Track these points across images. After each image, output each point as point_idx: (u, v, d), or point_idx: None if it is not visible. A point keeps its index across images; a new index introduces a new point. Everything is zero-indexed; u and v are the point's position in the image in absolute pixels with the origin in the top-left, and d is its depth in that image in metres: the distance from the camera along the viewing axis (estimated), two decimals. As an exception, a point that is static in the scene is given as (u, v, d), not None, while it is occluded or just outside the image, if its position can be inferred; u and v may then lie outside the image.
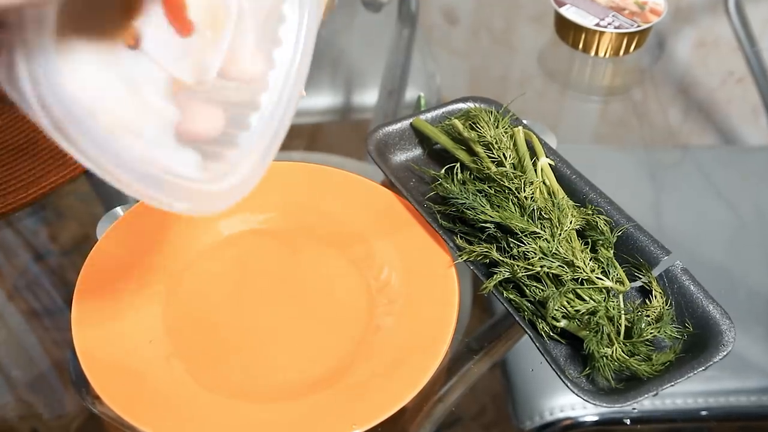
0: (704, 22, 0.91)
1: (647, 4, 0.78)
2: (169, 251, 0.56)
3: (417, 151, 0.63)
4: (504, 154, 0.56)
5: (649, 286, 0.51)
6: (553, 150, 0.59)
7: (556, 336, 0.49)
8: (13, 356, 0.55)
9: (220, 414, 0.47)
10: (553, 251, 0.50)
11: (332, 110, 0.79)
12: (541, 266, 0.49)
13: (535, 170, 0.55)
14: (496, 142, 0.56)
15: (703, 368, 0.46)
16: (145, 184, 0.31)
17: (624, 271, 0.51)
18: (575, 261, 0.49)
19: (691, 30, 0.90)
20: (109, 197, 0.65)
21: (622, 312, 0.48)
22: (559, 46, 0.81)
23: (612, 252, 0.51)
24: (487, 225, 0.53)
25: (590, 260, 0.50)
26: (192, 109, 0.34)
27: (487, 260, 0.52)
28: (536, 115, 0.69)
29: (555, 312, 0.48)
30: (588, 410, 0.50)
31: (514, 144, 0.57)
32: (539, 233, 0.51)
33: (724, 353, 0.47)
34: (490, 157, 0.56)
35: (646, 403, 0.50)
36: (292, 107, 0.39)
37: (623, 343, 0.47)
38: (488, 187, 0.55)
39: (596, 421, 0.50)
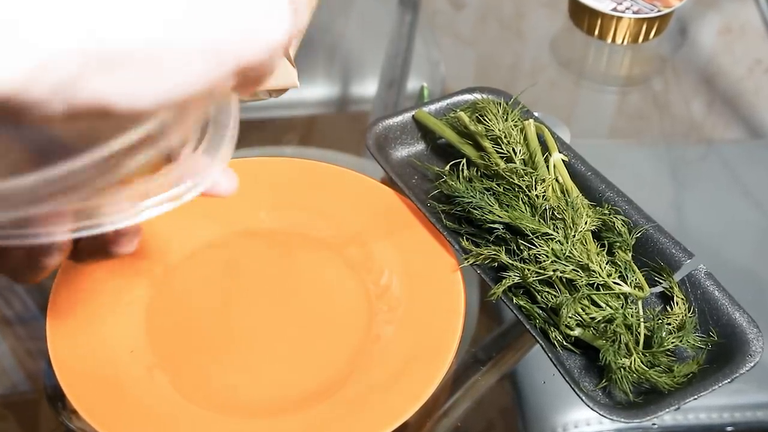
0: (730, 7, 0.91)
1: (668, -13, 0.78)
2: (152, 254, 0.56)
3: (420, 146, 0.63)
4: (514, 150, 0.56)
5: (670, 291, 0.51)
6: (567, 145, 0.59)
7: (569, 346, 0.49)
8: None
9: (206, 430, 0.47)
10: (567, 254, 0.50)
11: (328, 102, 0.79)
12: (554, 270, 0.49)
13: (547, 167, 0.55)
14: (505, 137, 0.56)
15: (729, 380, 0.46)
16: None
17: (643, 276, 0.51)
18: (590, 265, 0.49)
19: (716, 15, 0.90)
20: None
21: (641, 320, 0.48)
22: (573, 32, 0.81)
23: (630, 255, 0.51)
24: (496, 226, 0.53)
25: (607, 264, 0.50)
26: None
27: (496, 264, 0.52)
28: (548, 107, 0.69)
29: (569, 320, 0.48)
30: (604, 425, 0.50)
31: (525, 138, 0.57)
32: (552, 235, 0.51)
33: (752, 364, 0.47)
34: (498, 153, 0.56)
35: (667, 418, 0.50)
36: None
37: (642, 354, 0.47)
38: (496, 184, 0.54)
39: (613, 437, 0.50)
